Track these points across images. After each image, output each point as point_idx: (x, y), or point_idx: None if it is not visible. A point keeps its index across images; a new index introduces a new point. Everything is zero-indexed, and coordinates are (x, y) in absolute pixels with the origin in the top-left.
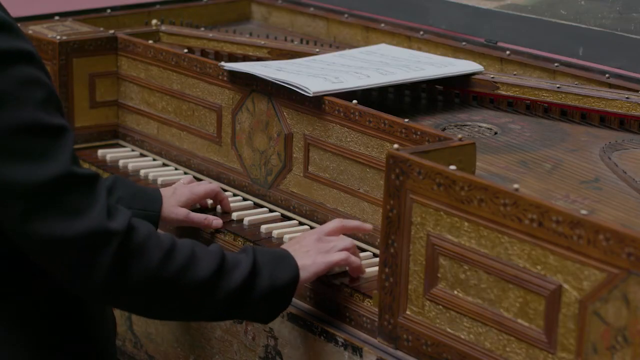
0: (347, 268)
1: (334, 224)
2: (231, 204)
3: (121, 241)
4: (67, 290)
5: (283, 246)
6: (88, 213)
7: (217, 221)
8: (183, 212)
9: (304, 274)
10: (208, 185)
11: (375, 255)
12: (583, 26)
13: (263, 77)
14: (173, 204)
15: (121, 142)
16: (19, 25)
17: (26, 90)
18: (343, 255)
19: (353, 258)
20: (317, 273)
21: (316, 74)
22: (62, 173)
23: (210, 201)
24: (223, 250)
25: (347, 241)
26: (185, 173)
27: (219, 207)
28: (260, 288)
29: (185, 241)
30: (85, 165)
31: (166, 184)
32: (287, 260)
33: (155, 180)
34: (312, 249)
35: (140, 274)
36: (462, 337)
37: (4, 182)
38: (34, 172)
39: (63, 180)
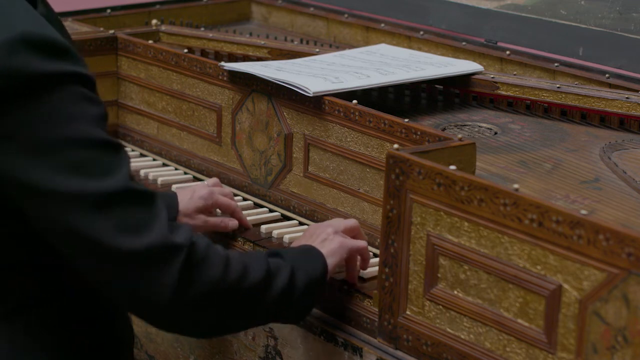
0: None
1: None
2: None
3: (187, 255)
4: (87, 299)
5: (299, 240)
6: (152, 228)
7: (232, 222)
8: (201, 220)
9: (331, 260)
10: (227, 200)
11: (375, 255)
12: (583, 26)
13: (263, 77)
14: (191, 210)
15: (121, 142)
16: None
17: (83, 106)
18: (364, 243)
19: (367, 251)
20: (343, 256)
21: (316, 74)
22: (122, 187)
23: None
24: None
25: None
26: (185, 173)
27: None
28: (301, 285)
29: (236, 254)
30: None
31: (166, 184)
32: (313, 252)
33: (155, 181)
34: (328, 234)
35: (206, 285)
36: (462, 337)
37: (65, 194)
38: (93, 184)
39: (123, 194)
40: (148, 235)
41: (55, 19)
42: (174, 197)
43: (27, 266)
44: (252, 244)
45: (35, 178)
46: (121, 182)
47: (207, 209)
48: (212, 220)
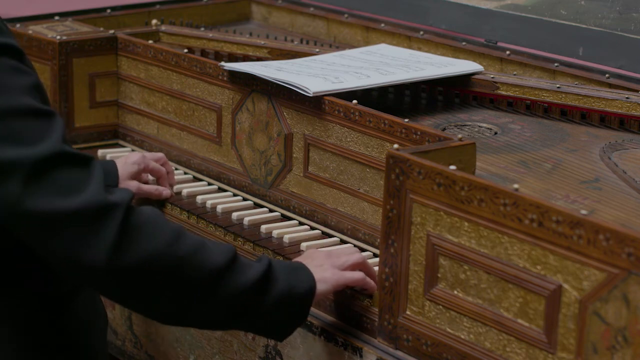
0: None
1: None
2: (231, 204)
3: (124, 215)
4: (59, 285)
5: (296, 259)
6: (86, 188)
7: (166, 191)
8: (134, 185)
9: (322, 286)
10: (158, 166)
11: (375, 255)
12: (583, 26)
13: (263, 77)
14: (125, 177)
15: (121, 142)
16: (17, 25)
17: (10, 77)
18: (360, 275)
19: (368, 280)
20: (336, 287)
21: (316, 74)
22: (55, 151)
23: (151, 177)
24: (236, 251)
25: (357, 255)
26: (185, 173)
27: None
28: (276, 294)
29: (197, 236)
30: None
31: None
32: (304, 271)
33: (155, 181)
34: (325, 263)
35: (147, 251)
36: (462, 337)
37: (1, 164)
38: (26, 152)
39: (56, 158)
40: (83, 195)
41: None
42: (112, 163)
43: None
44: (252, 244)
45: None
46: (53, 146)
47: (140, 174)
48: (146, 187)
